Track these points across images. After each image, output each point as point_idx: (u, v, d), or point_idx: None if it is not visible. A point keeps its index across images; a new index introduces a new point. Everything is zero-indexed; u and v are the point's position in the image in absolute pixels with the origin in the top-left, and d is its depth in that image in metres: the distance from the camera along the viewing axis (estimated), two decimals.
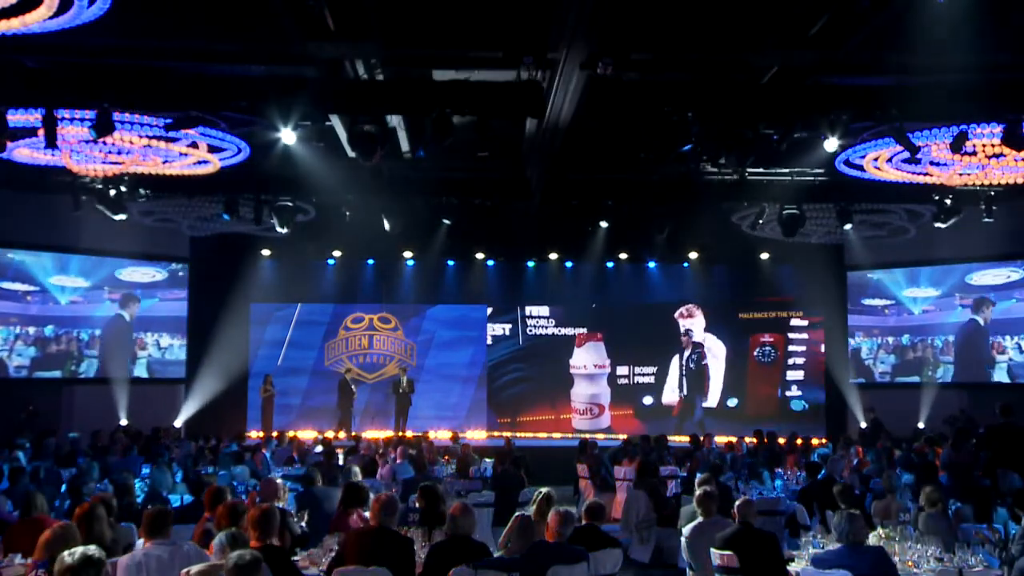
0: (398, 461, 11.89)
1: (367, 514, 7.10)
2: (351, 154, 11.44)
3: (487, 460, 13.23)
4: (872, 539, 6.63)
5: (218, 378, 18.54)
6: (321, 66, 9.63)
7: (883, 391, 18.22)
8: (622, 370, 20.24)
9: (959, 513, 8.12)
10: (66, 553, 4.26)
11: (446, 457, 13.56)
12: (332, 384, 19.81)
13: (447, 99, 9.63)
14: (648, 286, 20.32)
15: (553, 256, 19.66)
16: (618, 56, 9.07)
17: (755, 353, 19.62)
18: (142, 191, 13.58)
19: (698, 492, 7.62)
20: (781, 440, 14.96)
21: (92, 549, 4.32)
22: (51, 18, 7.52)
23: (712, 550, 6.68)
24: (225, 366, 18.64)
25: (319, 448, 13.97)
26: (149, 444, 13.79)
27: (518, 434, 18.78)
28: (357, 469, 9.99)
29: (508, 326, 20.55)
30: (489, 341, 20.43)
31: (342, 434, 17.77)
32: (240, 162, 12.08)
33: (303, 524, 7.72)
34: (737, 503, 6.90)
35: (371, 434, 17.38)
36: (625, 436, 16.82)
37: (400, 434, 17.39)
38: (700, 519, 7.29)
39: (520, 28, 9.02)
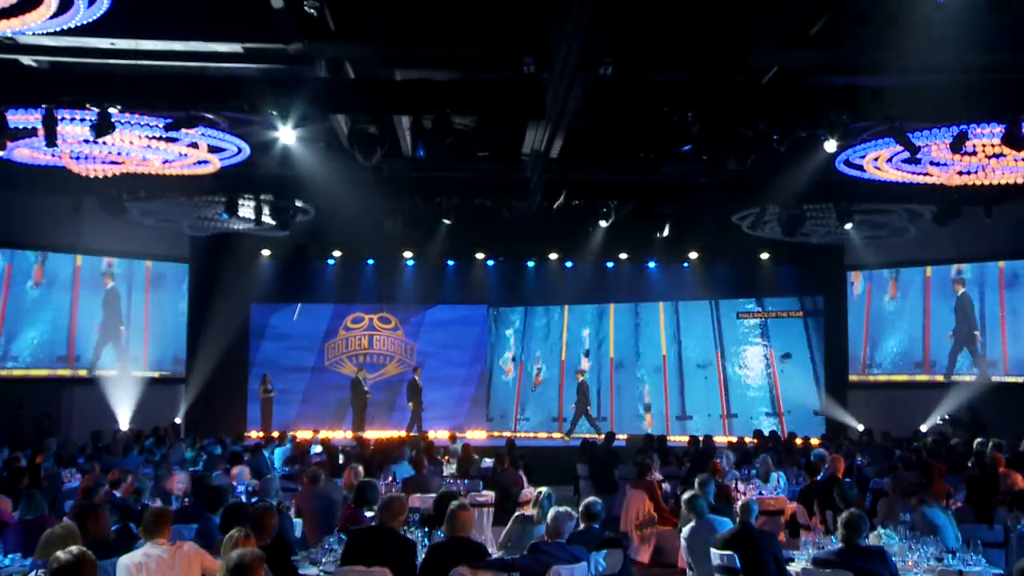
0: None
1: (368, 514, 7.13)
2: (351, 154, 11.45)
3: (487, 460, 13.22)
4: (872, 539, 6.62)
5: (218, 378, 18.55)
6: (321, 66, 9.63)
7: (882, 391, 18.21)
8: None
9: (959, 513, 8.11)
10: (60, 552, 4.29)
11: (446, 457, 13.55)
12: (332, 384, 19.82)
13: (447, 99, 9.63)
14: (648, 286, 20.32)
15: (553, 256, 19.65)
16: (618, 56, 9.08)
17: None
18: (142, 191, 13.60)
19: (684, 496, 7.64)
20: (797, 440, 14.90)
21: (85, 549, 4.36)
22: (51, 18, 7.52)
23: (712, 550, 6.68)
24: (225, 366, 18.64)
25: (318, 448, 13.95)
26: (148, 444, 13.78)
27: (518, 434, 18.80)
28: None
29: None
30: None
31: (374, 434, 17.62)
32: (240, 162, 12.08)
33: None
34: (737, 504, 6.90)
35: (371, 434, 17.37)
36: (626, 436, 16.85)
37: (413, 434, 17.45)
38: (696, 520, 7.29)
39: (520, 28, 9.02)
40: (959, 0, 7.63)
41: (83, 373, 17.51)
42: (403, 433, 17.62)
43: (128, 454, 12.82)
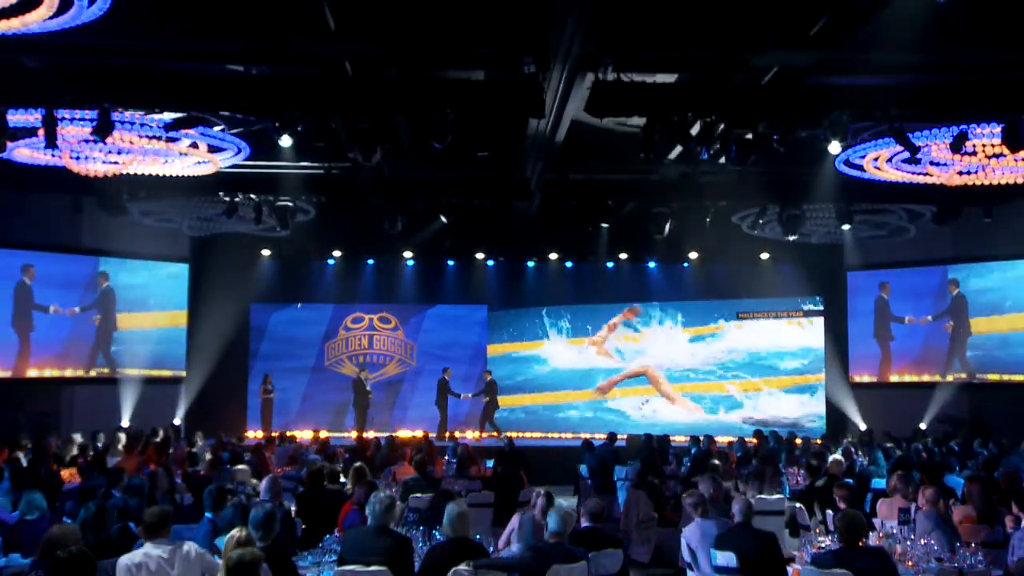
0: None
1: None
2: (351, 154, 11.45)
3: (487, 460, 13.22)
4: (872, 539, 6.63)
5: (218, 378, 18.55)
6: (321, 66, 9.63)
7: (883, 391, 18.21)
8: None
9: (959, 513, 8.10)
10: (60, 552, 4.30)
11: (443, 457, 13.54)
12: (332, 384, 19.81)
13: (447, 99, 9.63)
14: (648, 286, 20.31)
15: (553, 256, 19.66)
16: (618, 56, 9.08)
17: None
18: (142, 191, 13.60)
19: (684, 496, 7.63)
20: (799, 441, 14.91)
21: (85, 549, 4.37)
22: (51, 18, 7.53)
23: (712, 550, 6.68)
24: (225, 366, 18.65)
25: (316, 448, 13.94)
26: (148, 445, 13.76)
27: (519, 434, 18.78)
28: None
29: None
30: None
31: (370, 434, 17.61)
32: (240, 162, 12.08)
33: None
34: (736, 503, 6.90)
35: (371, 434, 17.36)
36: (625, 436, 16.83)
37: (446, 434, 17.47)
38: (697, 519, 7.29)
39: (520, 28, 9.02)
40: (959, 0, 7.63)
41: (82, 373, 17.51)
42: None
43: (129, 454, 12.82)
